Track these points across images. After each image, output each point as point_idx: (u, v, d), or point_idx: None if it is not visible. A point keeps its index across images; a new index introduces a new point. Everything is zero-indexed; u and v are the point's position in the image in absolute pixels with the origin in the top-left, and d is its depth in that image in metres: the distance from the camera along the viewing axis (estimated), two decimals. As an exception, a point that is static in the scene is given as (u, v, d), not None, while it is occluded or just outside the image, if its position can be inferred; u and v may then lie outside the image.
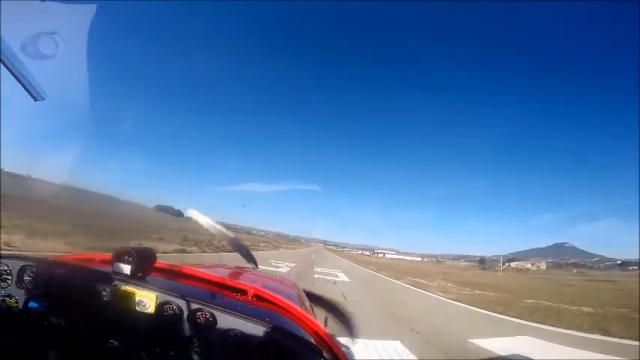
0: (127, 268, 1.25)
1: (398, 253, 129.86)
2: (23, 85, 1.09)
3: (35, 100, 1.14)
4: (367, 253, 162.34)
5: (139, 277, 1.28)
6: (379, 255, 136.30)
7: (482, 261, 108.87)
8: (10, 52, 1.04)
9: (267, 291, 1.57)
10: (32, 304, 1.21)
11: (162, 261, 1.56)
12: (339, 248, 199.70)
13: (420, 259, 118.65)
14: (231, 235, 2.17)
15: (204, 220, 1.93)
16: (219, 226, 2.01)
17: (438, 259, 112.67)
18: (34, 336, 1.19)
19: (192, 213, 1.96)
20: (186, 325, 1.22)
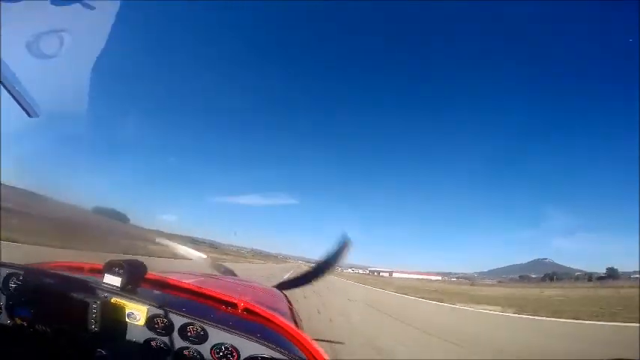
0: (117, 280, 1.26)
1: (404, 271, 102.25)
2: (17, 101, 1.10)
3: (30, 116, 1.14)
4: (360, 271, 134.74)
5: (130, 289, 1.29)
6: (382, 274, 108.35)
7: (550, 276, 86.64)
8: (5, 66, 1.05)
9: (257, 305, 1.58)
10: (18, 312, 1.20)
11: (153, 272, 1.56)
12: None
13: (439, 277, 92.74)
14: (206, 257, 2.23)
15: (175, 246, 2.03)
16: (192, 251, 2.16)
17: (472, 278, 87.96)
18: (18, 344, 1.17)
19: (161, 241, 2.35)
20: (178, 339, 1.25)
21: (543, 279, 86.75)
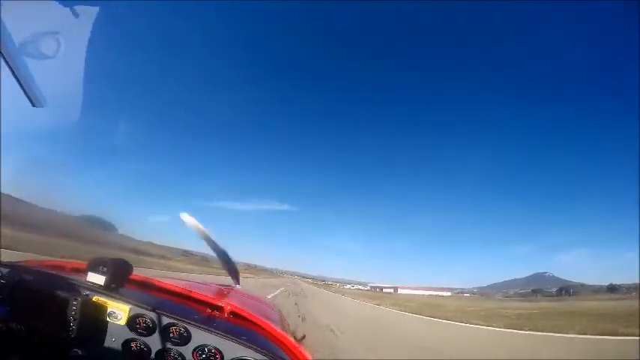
0: (100, 279, 1.22)
1: (413, 287, 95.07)
2: (23, 89, 1.07)
3: (34, 105, 1.11)
4: (360, 287, 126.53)
5: (113, 288, 1.25)
6: (385, 290, 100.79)
7: (566, 290, 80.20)
8: (14, 50, 1.03)
9: (243, 308, 1.54)
10: None
11: (138, 273, 1.52)
12: (317, 281, 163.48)
13: (449, 293, 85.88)
14: (221, 247, 2.04)
15: (196, 225, 1.85)
16: (210, 235, 1.94)
17: (483, 293, 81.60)
18: None
19: (185, 217, 1.88)
20: (159, 340, 1.22)
21: (559, 292, 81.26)
